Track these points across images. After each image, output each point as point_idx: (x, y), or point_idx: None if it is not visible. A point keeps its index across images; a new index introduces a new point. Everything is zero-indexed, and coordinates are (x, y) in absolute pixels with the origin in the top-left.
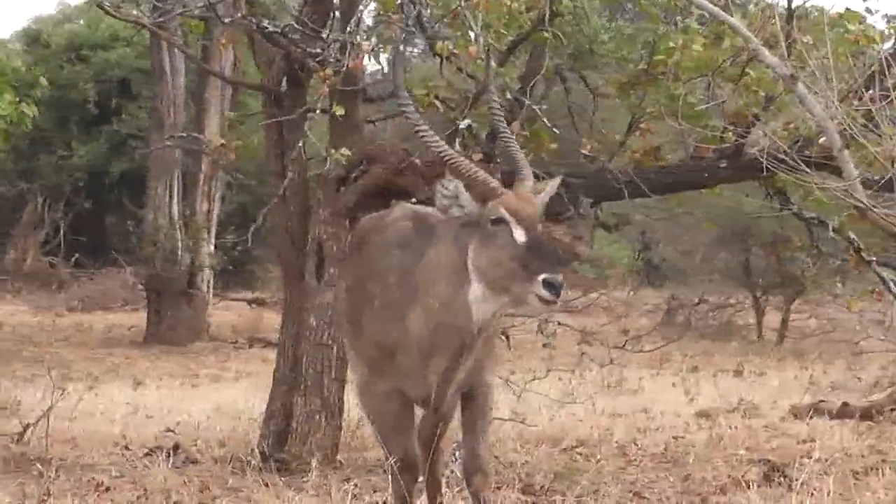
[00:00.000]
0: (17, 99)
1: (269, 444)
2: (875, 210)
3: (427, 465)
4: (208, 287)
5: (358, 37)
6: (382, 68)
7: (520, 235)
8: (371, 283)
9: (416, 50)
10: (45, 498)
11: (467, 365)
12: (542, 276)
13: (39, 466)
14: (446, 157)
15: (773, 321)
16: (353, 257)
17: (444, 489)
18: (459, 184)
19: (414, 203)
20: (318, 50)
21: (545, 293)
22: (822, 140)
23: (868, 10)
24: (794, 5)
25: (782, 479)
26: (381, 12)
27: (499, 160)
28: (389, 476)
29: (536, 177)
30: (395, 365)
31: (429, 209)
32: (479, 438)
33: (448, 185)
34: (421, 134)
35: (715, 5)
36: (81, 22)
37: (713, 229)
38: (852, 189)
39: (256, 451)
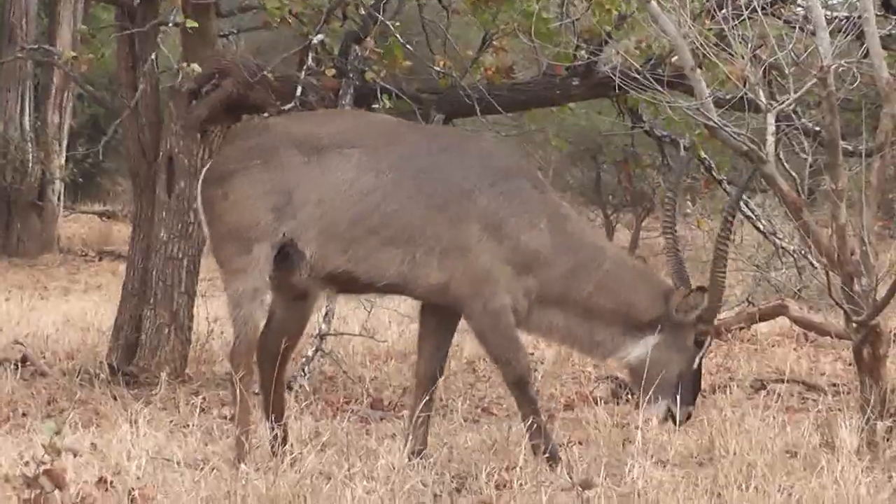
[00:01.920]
0: None
1: (118, 357)
2: (726, 129)
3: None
4: (59, 199)
5: None
6: None
7: (696, 363)
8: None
9: None
10: None
11: None
12: (690, 408)
13: None
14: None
15: (622, 239)
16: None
17: (292, 403)
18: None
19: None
20: None
21: (680, 419)
22: (674, 59)
23: None
24: None
25: (629, 396)
26: None
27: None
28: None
29: (387, 92)
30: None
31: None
32: None
33: (699, 299)
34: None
35: None
36: None
37: (564, 147)
38: (704, 108)
39: (105, 363)
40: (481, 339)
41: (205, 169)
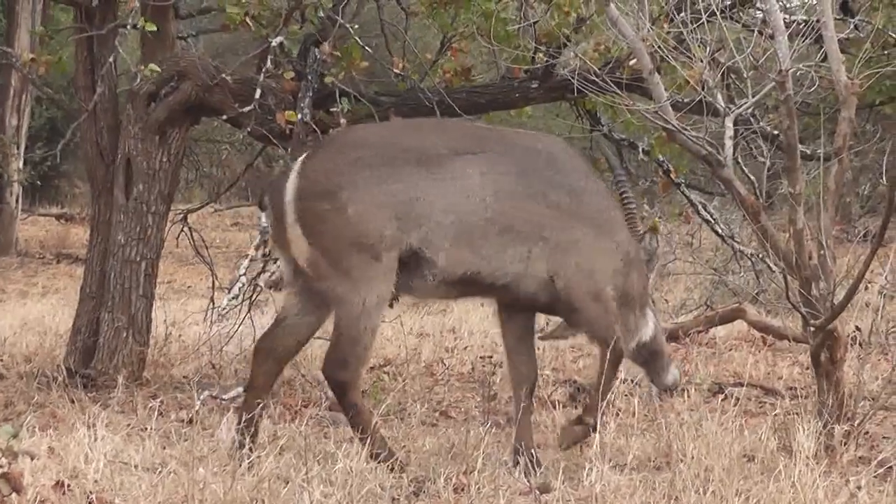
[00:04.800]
0: None
1: (76, 360)
2: (684, 133)
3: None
4: (17, 202)
5: None
6: None
7: None
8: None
9: None
10: None
11: None
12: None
13: None
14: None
15: None
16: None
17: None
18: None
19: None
20: None
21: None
22: (632, 62)
23: None
24: None
25: (587, 399)
26: None
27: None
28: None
29: (346, 95)
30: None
31: None
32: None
33: (653, 241)
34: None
35: None
36: None
37: None
38: (662, 111)
39: (62, 366)
40: (590, 327)
41: (294, 183)
